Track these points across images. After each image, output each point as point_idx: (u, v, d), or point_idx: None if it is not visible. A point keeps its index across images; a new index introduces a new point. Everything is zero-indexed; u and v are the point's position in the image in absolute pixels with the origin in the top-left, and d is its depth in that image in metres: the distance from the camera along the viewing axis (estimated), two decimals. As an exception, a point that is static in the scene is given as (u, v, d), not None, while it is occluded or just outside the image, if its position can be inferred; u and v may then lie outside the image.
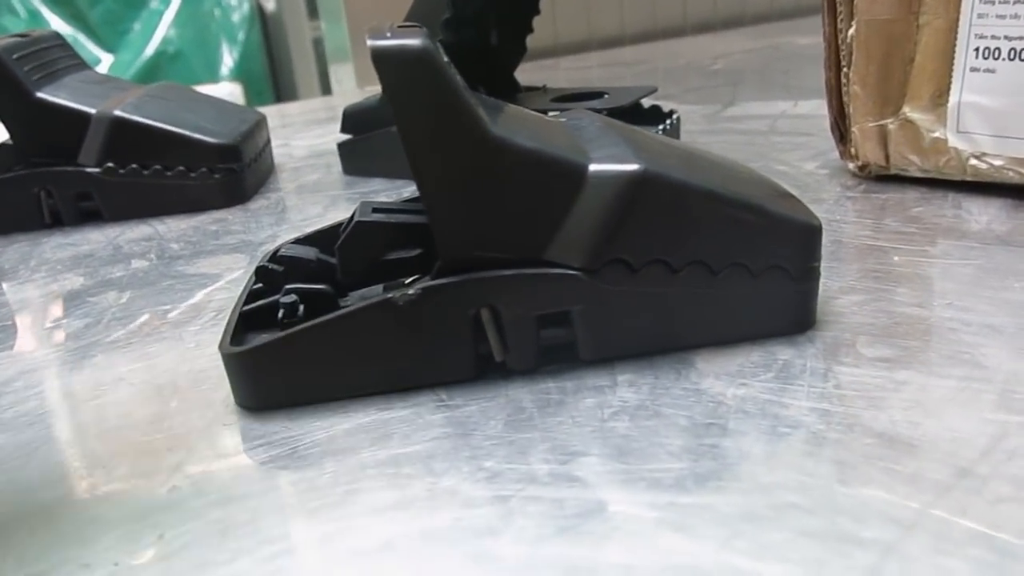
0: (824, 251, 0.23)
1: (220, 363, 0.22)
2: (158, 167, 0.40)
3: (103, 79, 0.44)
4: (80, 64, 0.45)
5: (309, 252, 0.25)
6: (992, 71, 0.30)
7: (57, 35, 0.44)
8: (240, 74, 1.25)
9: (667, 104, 0.44)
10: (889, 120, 0.34)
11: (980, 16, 0.30)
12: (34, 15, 1.21)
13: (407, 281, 0.23)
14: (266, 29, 1.30)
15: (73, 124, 0.39)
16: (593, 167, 0.21)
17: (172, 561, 0.17)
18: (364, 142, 0.44)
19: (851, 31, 0.33)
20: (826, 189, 0.35)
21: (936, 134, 0.32)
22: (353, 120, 0.44)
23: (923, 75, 0.32)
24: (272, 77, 1.33)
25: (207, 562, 0.17)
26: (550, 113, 0.43)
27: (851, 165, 0.36)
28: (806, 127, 0.45)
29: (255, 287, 0.25)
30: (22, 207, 0.40)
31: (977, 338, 0.22)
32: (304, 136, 0.56)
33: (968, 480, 0.17)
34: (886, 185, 0.35)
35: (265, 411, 0.22)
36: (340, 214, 0.39)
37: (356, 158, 0.45)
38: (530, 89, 0.47)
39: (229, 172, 0.41)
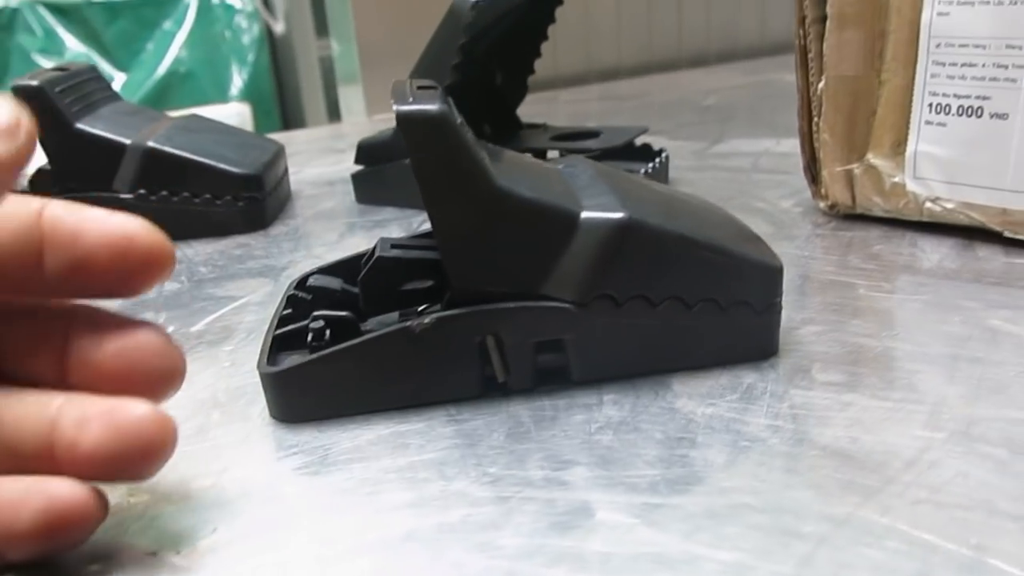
0: (791, 285, 0.26)
1: (255, 380, 0.26)
2: (186, 194, 0.43)
3: (135, 110, 0.48)
4: (114, 96, 0.48)
5: (334, 282, 0.28)
6: (944, 124, 0.34)
7: (93, 68, 0.47)
8: (249, 95, 1.28)
9: (658, 141, 0.48)
10: (855, 165, 0.37)
11: (933, 76, 0.34)
12: (50, 33, 1.24)
13: (420, 309, 0.26)
14: (275, 51, 1.34)
15: (109, 153, 0.43)
16: (584, 214, 0.25)
17: (226, 550, 0.20)
18: (377, 173, 0.47)
19: (821, 85, 0.37)
20: (799, 226, 0.39)
21: (896, 179, 0.36)
22: (366, 152, 0.47)
23: (884, 126, 0.36)
24: (279, 98, 1.37)
25: (256, 551, 0.20)
26: (548, 155, 0.46)
27: (822, 204, 0.39)
28: (786, 165, 0.49)
29: (285, 312, 0.28)
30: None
31: (915, 365, 0.26)
32: (316, 164, 0.59)
33: (893, 486, 0.20)
34: (852, 223, 0.38)
35: (297, 424, 0.25)
36: (355, 240, 0.42)
37: (369, 187, 0.48)
38: (531, 126, 0.51)
39: (252, 200, 0.44)
